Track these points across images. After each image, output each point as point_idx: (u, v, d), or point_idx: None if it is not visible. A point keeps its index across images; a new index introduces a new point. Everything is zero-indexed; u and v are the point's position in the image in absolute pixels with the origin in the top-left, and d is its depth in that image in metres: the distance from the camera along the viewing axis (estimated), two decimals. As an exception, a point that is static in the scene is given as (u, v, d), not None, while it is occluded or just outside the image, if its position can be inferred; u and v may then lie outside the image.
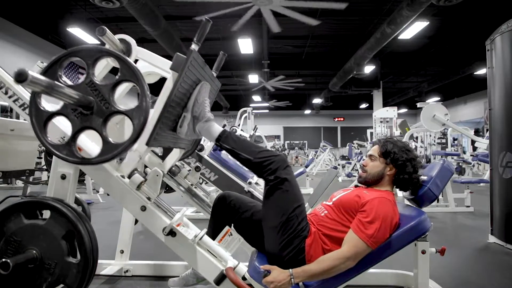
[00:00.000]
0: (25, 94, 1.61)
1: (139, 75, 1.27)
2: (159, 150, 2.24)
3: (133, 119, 1.25)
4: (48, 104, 1.33)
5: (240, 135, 8.10)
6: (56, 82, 1.15)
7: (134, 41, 1.72)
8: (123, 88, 1.80)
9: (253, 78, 11.86)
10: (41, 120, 1.28)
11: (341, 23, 8.95)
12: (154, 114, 1.36)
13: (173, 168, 2.14)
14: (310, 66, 12.04)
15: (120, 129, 1.79)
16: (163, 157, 2.09)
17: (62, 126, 1.47)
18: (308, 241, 1.42)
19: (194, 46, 1.43)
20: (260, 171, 1.46)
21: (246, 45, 9.09)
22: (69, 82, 1.30)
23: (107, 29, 1.50)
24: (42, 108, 1.29)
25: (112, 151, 1.27)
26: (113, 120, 1.32)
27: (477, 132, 13.36)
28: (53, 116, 1.29)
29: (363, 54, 8.98)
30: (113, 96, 1.27)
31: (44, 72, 1.26)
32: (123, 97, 1.81)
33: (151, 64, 1.76)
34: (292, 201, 1.44)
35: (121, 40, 1.69)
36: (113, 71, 1.54)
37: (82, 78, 1.29)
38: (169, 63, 1.66)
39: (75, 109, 1.26)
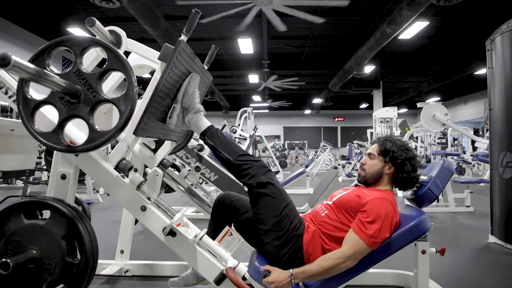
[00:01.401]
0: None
1: (126, 64, 1.27)
2: (151, 144, 2.24)
3: (120, 107, 1.26)
4: (37, 94, 1.34)
5: (240, 135, 8.11)
6: (42, 70, 1.16)
7: (124, 33, 1.72)
8: (115, 80, 1.81)
9: (253, 78, 11.87)
10: (28, 108, 1.29)
11: (341, 23, 8.94)
12: (142, 103, 1.37)
13: (164, 161, 2.14)
14: (310, 66, 12.02)
15: (108, 119, 1.80)
16: (155, 151, 2.10)
17: (50, 115, 1.46)
18: (306, 239, 1.42)
19: (183, 37, 1.43)
20: (238, 174, 1.47)
21: (246, 45, 9.09)
22: (57, 72, 1.31)
23: (96, 20, 1.50)
24: (29, 96, 1.29)
25: (99, 139, 1.27)
26: (100, 109, 1.32)
27: (476, 132, 13.36)
28: (40, 104, 1.30)
29: (363, 54, 8.98)
30: (101, 85, 1.28)
31: (32, 61, 1.26)
32: (114, 90, 1.83)
33: (140, 55, 1.77)
34: (279, 201, 1.44)
35: (111, 31, 1.69)
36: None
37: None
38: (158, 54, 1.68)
39: (62, 97, 1.27)
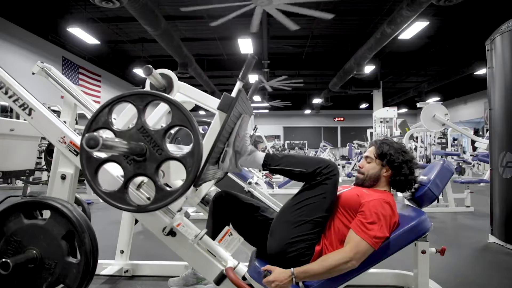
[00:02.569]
0: (25, 94, 1.61)
1: (192, 121, 1.22)
2: None
3: (187, 165, 1.22)
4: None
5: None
6: (116, 140, 1.12)
7: (175, 76, 1.71)
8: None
9: (253, 78, 11.87)
10: (92, 167, 1.23)
11: (341, 23, 8.95)
12: None
13: (207, 196, 2.07)
14: (310, 66, 12.04)
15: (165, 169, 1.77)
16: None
17: (111, 170, 1.44)
18: (317, 248, 1.41)
19: (239, 84, 1.42)
20: (314, 178, 1.44)
21: (246, 45, 9.08)
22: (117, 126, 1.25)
23: (152, 69, 1.46)
24: (94, 156, 1.24)
25: (167, 199, 1.24)
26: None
27: (476, 132, 13.36)
28: (104, 162, 1.25)
29: (363, 54, 8.98)
30: (165, 141, 1.23)
31: (95, 116, 1.22)
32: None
33: (193, 99, 1.74)
34: (323, 208, 1.42)
35: (162, 75, 1.66)
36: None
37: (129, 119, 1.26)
38: (212, 99, 1.65)
39: (128, 156, 1.22)
